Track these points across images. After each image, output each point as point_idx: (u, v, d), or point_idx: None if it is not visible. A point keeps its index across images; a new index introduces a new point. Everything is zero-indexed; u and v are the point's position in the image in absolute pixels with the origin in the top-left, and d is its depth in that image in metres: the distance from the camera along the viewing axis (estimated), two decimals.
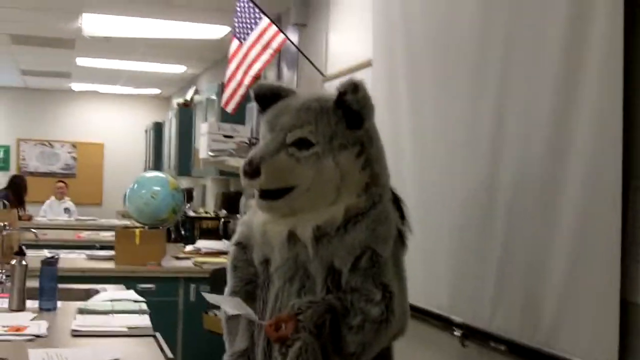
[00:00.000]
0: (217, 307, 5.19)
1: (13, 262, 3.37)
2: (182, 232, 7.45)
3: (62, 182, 11.25)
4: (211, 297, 2.50)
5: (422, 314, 3.42)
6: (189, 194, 9.40)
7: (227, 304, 2.40)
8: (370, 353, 2.21)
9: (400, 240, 2.33)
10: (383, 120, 3.88)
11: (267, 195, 2.25)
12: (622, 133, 2.21)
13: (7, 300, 3.38)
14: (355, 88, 2.22)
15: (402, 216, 2.34)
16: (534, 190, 2.61)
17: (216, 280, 5.15)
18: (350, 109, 2.22)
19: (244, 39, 5.75)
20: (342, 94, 2.24)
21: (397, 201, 2.35)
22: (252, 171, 2.21)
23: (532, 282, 2.60)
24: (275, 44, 5.58)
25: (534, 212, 2.60)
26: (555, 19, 2.51)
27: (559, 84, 2.48)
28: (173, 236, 7.40)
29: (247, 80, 5.73)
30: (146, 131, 13.24)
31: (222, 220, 7.18)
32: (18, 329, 2.92)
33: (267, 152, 2.23)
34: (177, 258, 5.81)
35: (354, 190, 2.20)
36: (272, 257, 2.32)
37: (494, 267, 2.82)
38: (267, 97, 2.40)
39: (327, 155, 2.19)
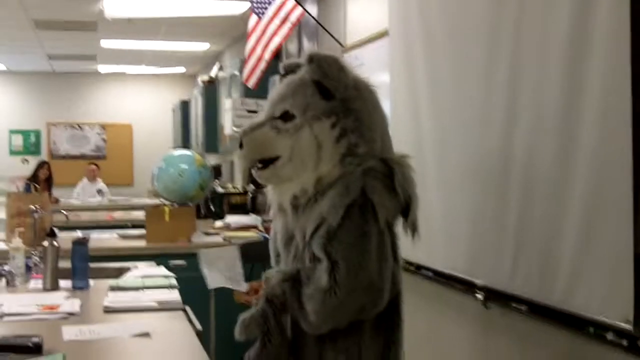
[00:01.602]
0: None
1: (45, 243, 3.47)
2: (212, 208, 7.55)
3: (94, 164, 11.41)
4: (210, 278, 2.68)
5: (445, 278, 3.49)
6: (217, 171, 9.51)
7: (213, 279, 2.61)
8: (328, 323, 2.18)
9: (370, 211, 2.19)
10: (400, 89, 3.94)
11: (260, 166, 2.35)
12: (632, 97, 2.24)
13: (41, 280, 3.49)
14: (310, 59, 2.28)
15: (394, 188, 2.23)
16: (548, 155, 2.64)
17: (244, 254, 5.22)
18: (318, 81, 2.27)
19: (263, 13, 5.78)
20: (304, 67, 2.30)
21: (390, 173, 2.25)
22: (239, 144, 2.35)
23: (548, 243, 2.64)
24: (293, 17, 5.61)
25: (548, 176, 2.64)
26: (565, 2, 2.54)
27: (569, 58, 2.51)
28: (203, 212, 7.50)
29: (267, 54, 5.77)
30: (173, 110, 13.34)
31: (250, 195, 7.26)
32: (52, 308, 3.02)
33: (252, 126, 2.35)
34: (207, 234, 5.89)
35: (331, 160, 2.23)
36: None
37: (511, 230, 2.86)
38: (288, 74, 2.45)
39: (304, 126, 2.25)
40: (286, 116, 2.29)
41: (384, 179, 2.24)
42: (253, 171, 2.39)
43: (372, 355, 2.30)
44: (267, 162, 2.32)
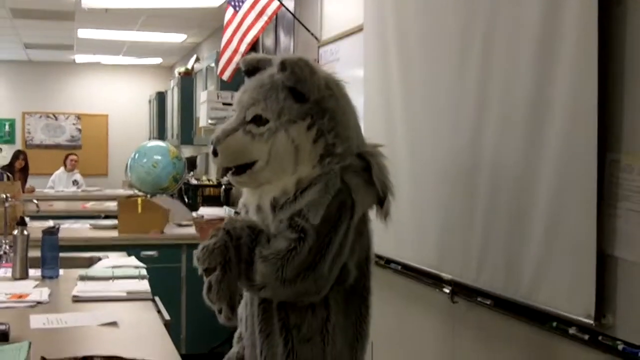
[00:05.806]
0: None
1: (15, 232, 3.46)
2: (185, 200, 7.55)
3: (74, 154, 11.33)
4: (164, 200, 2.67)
5: (413, 272, 3.52)
6: (191, 162, 9.50)
7: (167, 204, 2.57)
8: (270, 290, 2.18)
9: (348, 209, 2.22)
10: (374, 85, 3.96)
11: (235, 171, 2.34)
12: (597, 99, 2.28)
13: (11, 269, 3.48)
14: (282, 66, 2.27)
15: (371, 182, 2.27)
16: (516, 154, 2.68)
17: None
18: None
19: (239, 7, 5.78)
20: (271, 67, 2.31)
21: (367, 166, 2.28)
22: (213, 152, 2.34)
23: (514, 239, 2.68)
24: (270, 11, 5.62)
25: (515, 175, 2.68)
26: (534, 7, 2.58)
27: (538, 57, 2.55)
28: None
29: (243, 47, 5.77)
30: (150, 101, 13.30)
31: (224, 187, 7.27)
32: (20, 296, 3.02)
33: (224, 133, 2.32)
34: (180, 225, 5.89)
35: (310, 162, 2.24)
36: None
37: (478, 226, 2.90)
38: (251, 70, 2.45)
39: (279, 130, 2.25)
40: (258, 120, 2.28)
41: (363, 173, 2.27)
42: (228, 176, 2.39)
43: (340, 344, 2.31)
44: (243, 167, 2.33)
